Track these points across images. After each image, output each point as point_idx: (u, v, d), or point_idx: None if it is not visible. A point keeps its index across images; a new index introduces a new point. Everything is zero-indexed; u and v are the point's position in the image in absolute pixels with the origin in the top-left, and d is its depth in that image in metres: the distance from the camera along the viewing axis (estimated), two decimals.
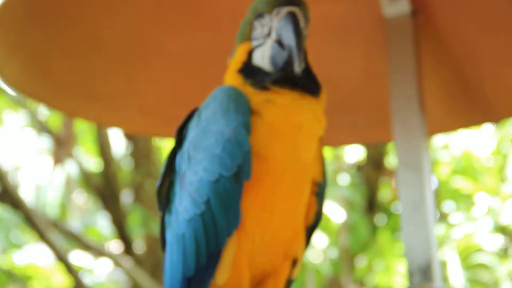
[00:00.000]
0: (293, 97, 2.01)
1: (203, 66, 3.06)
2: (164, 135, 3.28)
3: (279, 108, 2.00)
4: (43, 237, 5.28)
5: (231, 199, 1.97)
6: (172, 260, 2.06)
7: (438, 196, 7.05)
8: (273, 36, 2.03)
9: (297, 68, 1.99)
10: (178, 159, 2.11)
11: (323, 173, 2.14)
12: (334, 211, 6.77)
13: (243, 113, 1.98)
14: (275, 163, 2.00)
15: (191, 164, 2.03)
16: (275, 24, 2.03)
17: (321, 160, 2.13)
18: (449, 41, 3.11)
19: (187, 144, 2.07)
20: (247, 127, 1.98)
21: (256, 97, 2.01)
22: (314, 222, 2.15)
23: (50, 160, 6.56)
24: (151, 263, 6.97)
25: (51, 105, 3.10)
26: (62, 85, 3.02)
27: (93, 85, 3.05)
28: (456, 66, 3.16)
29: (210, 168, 1.99)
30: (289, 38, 1.99)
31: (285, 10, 2.02)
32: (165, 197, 2.14)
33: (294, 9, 2.03)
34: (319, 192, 2.13)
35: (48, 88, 2.99)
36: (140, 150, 7.17)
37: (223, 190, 1.97)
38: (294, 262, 2.10)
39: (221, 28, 2.93)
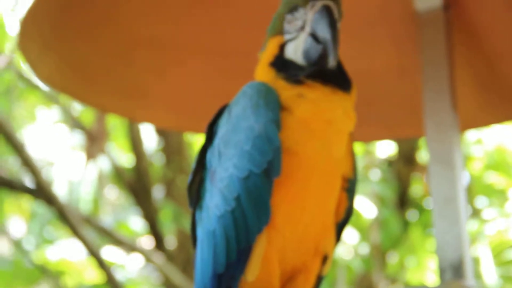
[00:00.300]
0: (324, 92, 1.99)
1: (234, 62, 3.05)
2: (195, 130, 3.29)
3: (310, 104, 1.99)
4: (75, 232, 5.33)
5: (261, 195, 1.97)
6: (203, 257, 2.06)
7: (471, 192, 6.99)
8: (307, 29, 2.01)
9: (332, 62, 1.97)
10: (208, 155, 2.10)
11: (354, 169, 2.12)
12: (365, 207, 6.74)
13: (273, 108, 1.98)
14: (305, 159, 2.00)
15: (221, 161, 2.03)
16: (310, 17, 2.01)
17: (352, 156, 2.12)
18: (482, 36, 3.08)
19: (217, 141, 2.07)
20: (277, 123, 1.97)
21: (287, 91, 2.00)
22: (344, 218, 2.14)
23: (82, 155, 6.61)
24: (182, 259, 7.00)
25: (83, 100, 3.12)
26: (95, 81, 3.04)
27: (125, 81, 3.06)
28: (490, 61, 3.13)
29: (240, 165, 1.98)
30: (325, 32, 1.98)
31: (320, 3, 2.01)
32: (196, 194, 2.14)
33: (329, 2, 2.01)
34: (349, 188, 2.12)
35: (81, 84, 3.01)
36: (172, 145, 7.19)
37: (253, 187, 1.97)
38: (325, 259, 2.09)
39: (252, 23, 2.91)
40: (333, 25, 1.99)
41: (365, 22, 3.11)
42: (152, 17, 2.94)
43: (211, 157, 2.08)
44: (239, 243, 1.99)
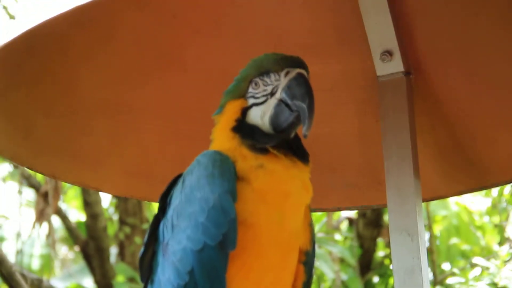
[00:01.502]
0: (285, 163, 1.96)
1: (189, 125, 2.99)
2: (151, 199, 3.20)
3: (269, 175, 1.94)
4: None
5: (216, 269, 1.90)
6: None
7: (435, 255, 6.96)
8: (278, 95, 1.99)
9: (307, 131, 1.95)
10: (161, 227, 2.04)
11: (311, 241, 2.08)
12: (327, 269, 6.67)
13: (229, 179, 1.92)
14: (262, 231, 1.94)
15: (174, 233, 1.96)
16: (283, 84, 1.99)
17: (309, 228, 2.08)
18: (443, 103, 3.06)
19: (170, 212, 2.00)
20: (233, 194, 1.92)
21: (248, 161, 1.95)
22: None
23: (33, 214, 6.45)
24: None
25: (33, 167, 3.00)
26: (45, 147, 2.93)
27: (77, 147, 2.97)
28: (451, 128, 3.11)
29: (194, 237, 1.92)
30: (302, 99, 1.97)
31: (296, 71, 1.99)
32: (148, 267, 2.07)
33: (303, 71, 2.00)
34: (306, 261, 2.07)
35: (30, 150, 2.90)
36: (129, 206, 7.07)
37: (207, 260, 1.90)
38: None
39: (207, 86, 2.88)
40: (310, 93, 1.98)
41: (327, 87, 3.09)
42: (106, 82, 2.87)
43: (164, 229, 2.01)
44: None
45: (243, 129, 2.00)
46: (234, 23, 2.91)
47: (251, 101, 2.02)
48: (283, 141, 1.98)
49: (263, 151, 1.96)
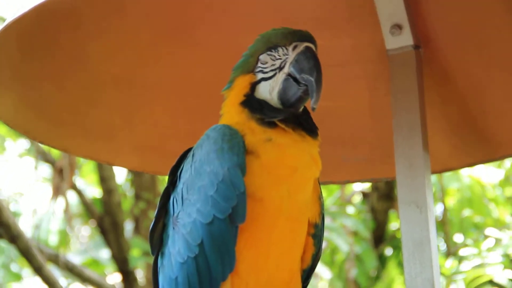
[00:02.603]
0: (294, 137, 1.97)
1: (201, 102, 3.01)
2: (161, 172, 3.22)
3: (277, 149, 1.95)
4: (39, 272, 5.22)
5: (225, 242, 1.92)
6: None
7: (448, 227, 6.96)
8: (287, 69, 1.99)
9: (315, 104, 1.95)
10: (171, 200, 2.06)
11: (321, 214, 2.09)
12: (340, 242, 6.70)
13: (238, 153, 1.94)
14: (271, 205, 1.96)
15: (184, 206, 1.98)
16: (291, 58, 1.99)
17: (319, 201, 2.09)
18: (453, 76, 3.06)
19: (180, 186, 2.02)
20: (242, 168, 1.93)
21: (256, 135, 1.96)
22: (311, 264, 2.11)
23: (50, 189, 6.51)
24: None
25: (46, 142, 3.03)
26: (58, 122, 2.96)
27: (90, 122, 3.00)
28: (461, 101, 3.10)
29: (204, 210, 1.94)
30: (310, 73, 1.97)
31: (304, 44, 1.99)
32: (158, 240, 2.09)
33: (311, 45, 2.00)
34: (316, 234, 2.08)
35: (43, 125, 2.93)
36: (143, 181, 7.12)
37: (217, 233, 1.92)
38: None
39: (218, 62, 2.89)
40: (318, 67, 1.98)
41: (336, 62, 3.09)
42: (118, 57, 2.88)
43: (174, 202, 2.04)
44: None
45: (252, 103, 2.01)
46: None
47: (259, 75, 2.03)
48: (292, 115, 1.98)
49: (272, 125, 1.97)
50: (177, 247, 1.98)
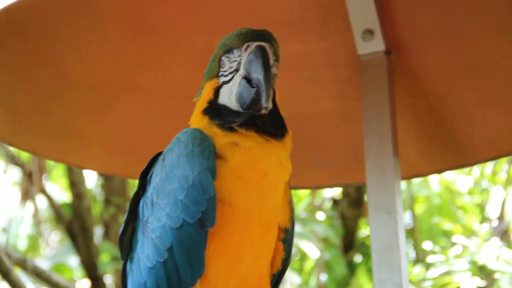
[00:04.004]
0: (258, 141, 1.94)
1: (172, 103, 3.00)
2: (132, 175, 3.20)
3: (245, 153, 1.93)
4: (7, 277, 5.14)
5: (195, 246, 1.90)
6: None
7: (417, 234, 7.00)
8: (241, 71, 1.97)
9: (264, 104, 1.91)
10: (141, 205, 2.03)
11: (291, 219, 2.07)
12: (310, 249, 6.71)
13: (208, 157, 1.92)
14: (240, 209, 1.94)
15: (154, 210, 1.96)
16: (244, 59, 1.97)
17: (289, 205, 2.07)
18: (424, 81, 3.08)
19: (150, 190, 2.00)
20: (212, 172, 1.91)
21: (222, 139, 1.94)
22: (281, 269, 2.09)
23: (19, 193, 6.43)
24: None
25: (14, 144, 3.00)
26: (26, 123, 2.93)
27: (58, 123, 2.97)
28: (432, 107, 3.12)
29: (173, 215, 1.92)
30: (258, 72, 1.93)
31: (255, 44, 1.96)
32: (128, 244, 2.07)
33: (264, 44, 1.97)
34: (286, 238, 2.07)
35: (11, 126, 2.90)
36: (113, 185, 7.06)
37: (186, 237, 1.90)
38: None
39: (191, 64, 2.88)
40: (266, 66, 1.94)
41: (308, 65, 3.10)
42: (88, 57, 2.87)
43: (144, 206, 2.01)
44: None
45: (213, 110, 1.99)
46: (218, 1, 2.91)
47: (221, 79, 2.01)
48: (253, 119, 1.95)
49: (232, 130, 1.95)
50: (146, 252, 1.96)
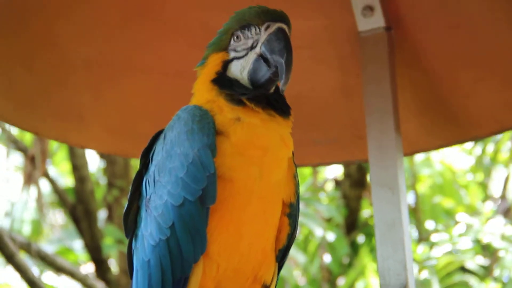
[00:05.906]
0: (263, 117, 1.94)
1: (171, 80, 3.00)
2: (134, 154, 3.20)
3: (247, 130, 1.93)
4: (11, 261, 5.17)
5: (196, 223, 1.90)
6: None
7: (419, 213, 7.01)
8: (258, 50, 1.97)
9: (283, 86, 1.93)
10: (144, 183, 2.03)
11: (296, 194, 2.07)
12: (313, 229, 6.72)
13: (208, 134, 1.91)
14: (241, 185, 1.93)
15: (156, 188, 1.96)
16: (263, 38, 1.97)
17: (293, 180, 2.06)
18: (424, 57, 3.07)
19: (152, 168, 2.00)
20: (212, 149, 1.90)
21: (225, 114, 1.94)
22: (286, 244, 2.08)
23: (22, 178, 6.44)
24: (125, 285, 6.88)
25: (15, 124, 3.01)
26: (27, 103, 2.94)
27: (59, 103, 2.98)
28: (432, 83, 3.12)
29: (174, 192, 1.92)
30: (280, 54, 1.94)
31: (276, 25, 1.96)
32: (132, 222, 2.07)
33: (284, 26, 1.97)
34: (291, 213, 2.06)
35: (12, 106, 2.91)
36: (116, 168, 7.07)
37: (187, 215, 1.90)
38: (265, 287, 2.03)
39: (189, 41, 2.88)
40: (289, 49, 1.95)
41: (308, 42, 3.09)
42: (87, 37, 2.86)
43: (147, 185, 2.01)
44: (174, 273, 1.92)
45: (223, 81, 1.99)
46: None
47: (232, 54, 2.01)
48: (262, 95, 1.96)
49: (240, 103, 1.95)
50: (149, 230, 1.96)
